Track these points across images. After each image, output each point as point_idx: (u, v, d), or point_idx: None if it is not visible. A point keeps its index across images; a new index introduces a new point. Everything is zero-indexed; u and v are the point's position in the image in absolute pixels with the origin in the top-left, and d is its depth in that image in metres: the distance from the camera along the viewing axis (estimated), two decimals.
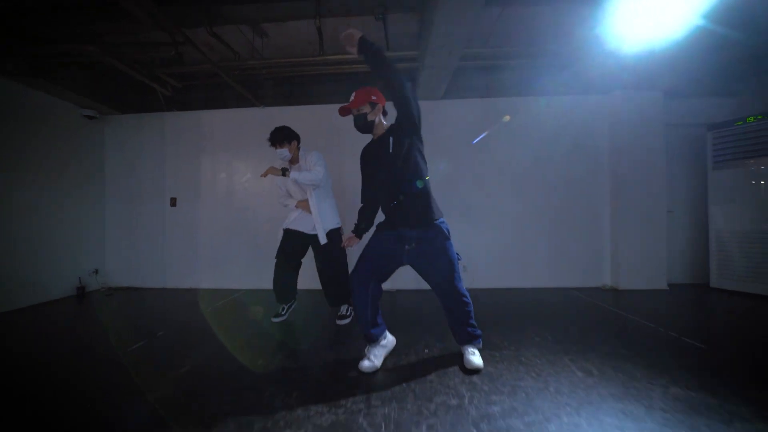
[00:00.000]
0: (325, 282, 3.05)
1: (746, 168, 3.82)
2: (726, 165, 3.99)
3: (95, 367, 2.20)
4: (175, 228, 4.61)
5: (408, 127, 2.01)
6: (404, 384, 1.91)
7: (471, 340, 2.17)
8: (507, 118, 4.40)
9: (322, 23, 3.37)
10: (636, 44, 3.52)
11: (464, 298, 2.12)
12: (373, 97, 2.12)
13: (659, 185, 4.16)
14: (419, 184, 2.01)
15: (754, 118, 3.71)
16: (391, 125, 2.12)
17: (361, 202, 2.28)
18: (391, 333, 2.32)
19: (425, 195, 2.03)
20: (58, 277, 4.09)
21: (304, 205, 2.98)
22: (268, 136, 2.94)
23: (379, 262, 2.10)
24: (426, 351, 2.36)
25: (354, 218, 2.32)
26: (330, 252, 2.95)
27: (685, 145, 4.44)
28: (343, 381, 1.96)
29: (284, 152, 2.92)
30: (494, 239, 4.36)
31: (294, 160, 3.01)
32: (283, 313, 3.11)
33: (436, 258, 2.05)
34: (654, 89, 4.16)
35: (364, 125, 2.15)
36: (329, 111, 4.37)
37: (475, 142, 4.41)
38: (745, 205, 3.83)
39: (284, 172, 2.80)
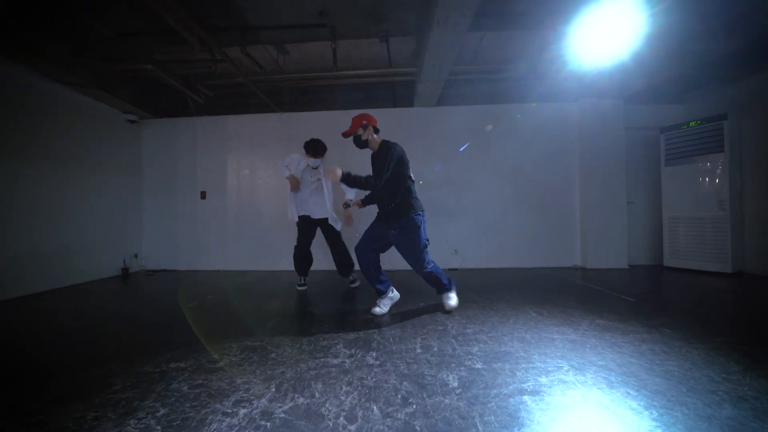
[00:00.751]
0: (335, 255, 3.77)
1: (691, 164, 4.54)
2: (675, 162, 4.71)
3: (174, 316, 2.90)
4: (205, 218, 5.31)
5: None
6: (405, 320, 2.62)
7: (444, 291, 2.87)
8: (489, 127, 5.12)
9: (336, 45, 4.07)
10: (593, 61, 4.24)
11: (430, 273, 2.77)
12: (364, 121, 2.71)
13: (620, 179, 4.89)
14: (414, 187, 2.76)
15: (695, 123, 4.43)
16: (381, 145, 2.73)
17: (372, 189, 2.87)
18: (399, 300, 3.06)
19: (409, 198, 2.69)
20: (106, 260, 4.77)
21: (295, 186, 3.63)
22: (304, 143, 3.65)
23: (374, 239, 2.81)
24: (421, 304, 3.08)
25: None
26: (336, 231, 3.72)
27: (642, 145, 5.18)
28: (361, 319, 2.67)
29: (319, 162, 3.63)
30: (482, 227, 5.07)
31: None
32: (304, 283, 3.81)
33: (407, 243, 2.72)
34: (616, 97, 4.89)
35: (360, 143, 2.77)
36: (339, 116, 5.12)
37: (461, 150, 5.12)
38: (690, 196, 4.56)
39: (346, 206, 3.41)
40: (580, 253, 5.03)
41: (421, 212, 2.72)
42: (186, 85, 4.49)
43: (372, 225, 2.85)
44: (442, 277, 2.83)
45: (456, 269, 4.95)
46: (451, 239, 5.07)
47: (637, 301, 3.08)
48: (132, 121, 5.13)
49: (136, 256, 5.23)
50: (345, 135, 2.79)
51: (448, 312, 2.79)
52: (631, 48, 3.83)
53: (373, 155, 2.86)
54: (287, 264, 5.01)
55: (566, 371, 1.74)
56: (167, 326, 2.62)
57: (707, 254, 4.39)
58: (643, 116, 5.10)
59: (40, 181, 3.91)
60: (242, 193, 5.30)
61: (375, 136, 2.79)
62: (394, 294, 2.95)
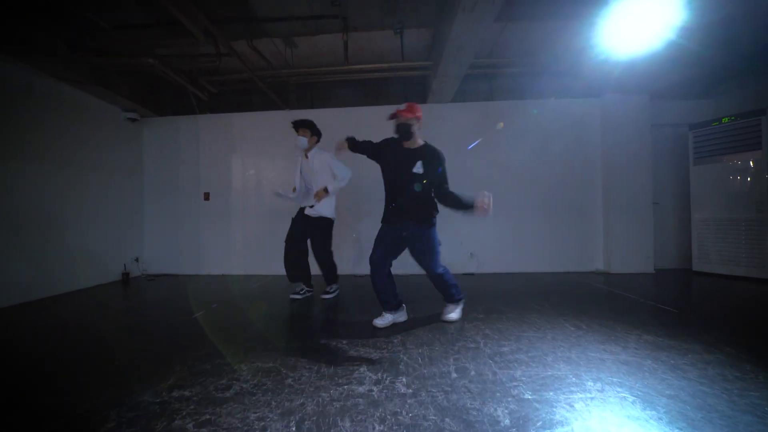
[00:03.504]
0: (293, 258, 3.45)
1: (722, 163, 4.28)
2: (705, 160, 4.45)
3: (175, 330, 2.67)
4: (209, 220, 5.08)
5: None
6: (430, 335, 2.38)
7: (452, 300, 2.72)
8: (501, 125, 4.85)
9: (348, 37, 3.83)
10: (623, 52, 3.99)
11: (441, 275, 2.62)
12: (419, 114, 2.46)
13: (646, 179, 4.63)
14: (417, 187, 2.44)
15: (728, 119, 4.17)
16: (425, 146, 2.51)
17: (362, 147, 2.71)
18: (410, 305, 2.88)
19: (424, 198, 2.50)
20: (106, 264, 4.54)
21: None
22: (292, 126, 3.41)
23: (391, 246, 2.57)
24: (440, 312, 2.83)
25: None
26: (319, 237, 3.41)
27: (669, 142, 4.92)
28: (379, 333, 2.43)
29: (304, 141, 3.35)
30: (499, 231, 4.82)
31: (305, 153, 3.41)
32: (300, 292, 3.51)
33: (424, 241, 2.54)
34: (641, 92, 4.63)
35: (406, 133, 2.46)
36: (348, 113, 4.87)
37: (470, 147, 4.87)
38: (722, 196, 4.30)
39: (326, 190, 3.28)
40: (604, 257, 4.78)
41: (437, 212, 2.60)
42: (189, 81, 4.26)
43: (384, 231, 2.58)
44: (453, 287, 2.69)
45: (472, 274, 4.70)
46: (467, 242, 4.82)
47: (680, 312, 2.83)
48: (133, 120, 4.90)
49: (137, 260, 5.00)
50: (392, 116, 2.48)
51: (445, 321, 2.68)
52: (664, 38, 3.60)
53: (393, 142, 2.57)
54: None
55: (633, 403, 1.49)
56: (168, 342, 2.38)
57: (741, 258, 4.13)
58: (669, 112, 4.84)
59: (39, 183, 3.70)
60: (248, 195, 5.06)
61: (418, 133, 2.53)
62: (403, 313, 2.72)
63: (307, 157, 3.42)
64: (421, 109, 2.51)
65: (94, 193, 4.40)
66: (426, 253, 2.55)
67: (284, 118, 4.99)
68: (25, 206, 3.56)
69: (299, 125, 3.37)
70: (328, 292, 3.52)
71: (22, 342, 2.47)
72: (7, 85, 3.41)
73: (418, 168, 2.44)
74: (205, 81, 4.35)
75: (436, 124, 4.85)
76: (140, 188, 5.15)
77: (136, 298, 3.82)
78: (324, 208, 3.36)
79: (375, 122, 4.94)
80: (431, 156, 2.47)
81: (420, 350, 2.13)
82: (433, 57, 3.97)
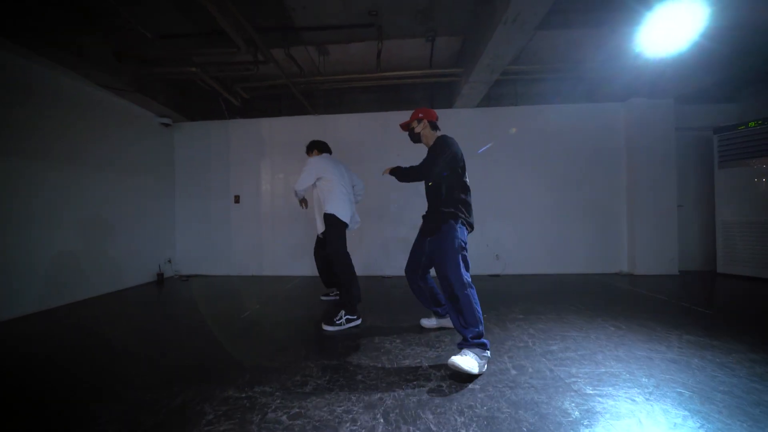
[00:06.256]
0: (320, 267, 3.56)
1: (749, 167, 4.35)
2: (730, 164, 4.52)
3: (231, 328, 2.80)
4: (239, 222, 5.22)
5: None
6: None
7: (469, 344, 1.99)
8: (513, 130, 4.95)
9: (382, 45, 3.95)
10: (648, 57, 4.07)
11: (466, 297, 2.03)
12: (420, 114, 2.45)
13: (670, 182, 4.70)
14: (469, 198, 2.28)
15: (756, 123, 4.24)
16: (436, 139, 2.38)
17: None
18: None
19: (458, 207, 2.21)
20: (142, 265, 4.70)
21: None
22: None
23: (414, 253, 2.51)
24: (485, 315, 2.94)
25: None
26: (326, 235, 3.05)
27: (694, 146, 4.99)
28: (428, 332, 2.54)
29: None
30: (525, 232, 4.92)
31: None
32: (331, 294, 3.68)
33: (438, 247, 2.23)
34: (666, 96, 4.70)
35: (412, 136, 2.52)
36: (373, 118, 4.98)
37: (480, 151, 4.96)
38: (748, 200, 4.37)
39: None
40: (628, 259, 4.86)
41: (463, 224, 2.21)
42: (224, 87, 4.40)
43: (416, 238, 2.53)
44: (477, 319, 2.02)
45: (498, 275, 4.80)
46: (492, 244, 4.92)
47: (714, 312, 2.92)
48: (166, 125, 5.05)
49: (169, 261, 5.16)
50: (403, 127, 2.60)
51: (456, 370, 1.87)
52: (692, 41, 3.66)
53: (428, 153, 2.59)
54: None
55: (690, 398, 1.60)
56: (230, 339, 2.51)
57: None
58: (693, 116, 4.91)
59: (75, 185, 3.82)
60: (277, 198, 5.20)
61: (432, 131, 2.44)
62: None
63: None
64: (425, 109, 2.49)
65: (129, 196, 4.53)
66: (438, 254, 2.20)
67: (312, 123, 5.14)
68: (62, 209, 3.65)
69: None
70: (327, 295, 3.66)
71: (82, 342, 2.61)
72: (40, 88, 3.42)
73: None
74: (240, 88, 4.49)
75: (464, 129, 4.95)
76: (171, 191, 5.31)
77: (177, 297, 3.97)
78: (329, 206, 3.02)
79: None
80: (435, 145, 2.36)
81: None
82: (465, 64, 4.07)
